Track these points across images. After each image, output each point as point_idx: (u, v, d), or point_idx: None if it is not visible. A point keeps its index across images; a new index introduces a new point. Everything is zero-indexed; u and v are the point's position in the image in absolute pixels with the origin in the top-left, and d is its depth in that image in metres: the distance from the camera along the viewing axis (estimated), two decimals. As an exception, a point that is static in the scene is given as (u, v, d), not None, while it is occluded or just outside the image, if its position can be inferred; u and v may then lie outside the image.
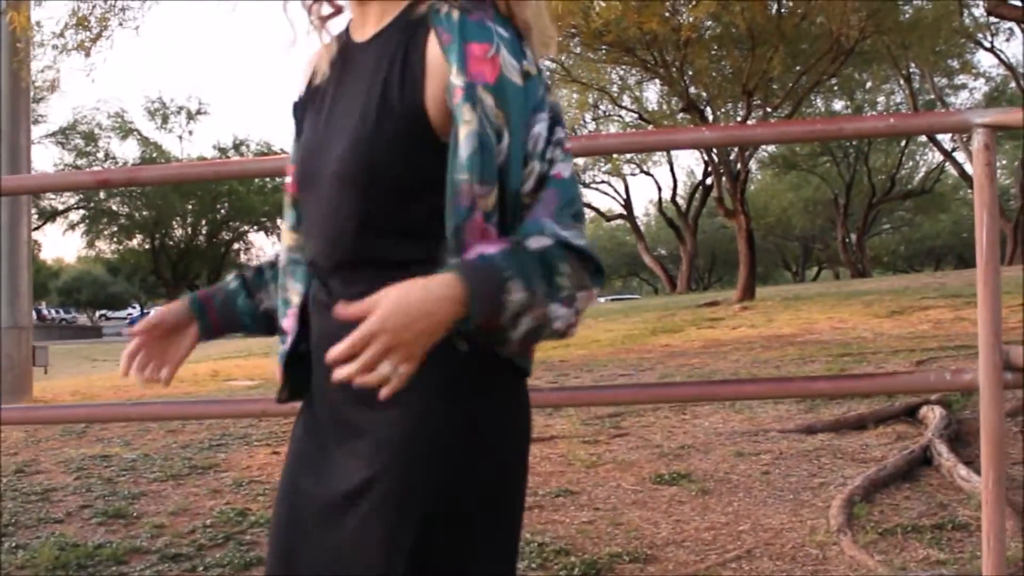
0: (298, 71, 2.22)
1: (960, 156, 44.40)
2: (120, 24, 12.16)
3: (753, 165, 45.17)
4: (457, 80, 1.84)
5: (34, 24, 12.75)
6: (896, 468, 6.18)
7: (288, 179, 2.15)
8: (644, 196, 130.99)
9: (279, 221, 56.88)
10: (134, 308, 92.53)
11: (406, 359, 1.66)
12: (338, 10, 2.18)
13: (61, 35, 12.17)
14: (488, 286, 1.70)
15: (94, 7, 11.87)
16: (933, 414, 7.20)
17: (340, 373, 1.66)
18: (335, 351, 1.65)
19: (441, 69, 1.87)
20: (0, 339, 12.24)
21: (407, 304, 1.66)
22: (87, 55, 11.98)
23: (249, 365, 17.45)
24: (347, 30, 2.13)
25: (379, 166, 1.90)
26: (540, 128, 1.87)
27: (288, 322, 2.12)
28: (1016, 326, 12.91)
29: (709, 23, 22.93)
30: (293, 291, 2.12)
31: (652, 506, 5.87)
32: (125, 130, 56.33)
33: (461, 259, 1.78)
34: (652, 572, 4.83)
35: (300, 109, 2.17)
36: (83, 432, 8.65)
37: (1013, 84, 42.85)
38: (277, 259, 2.23)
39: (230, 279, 2.34)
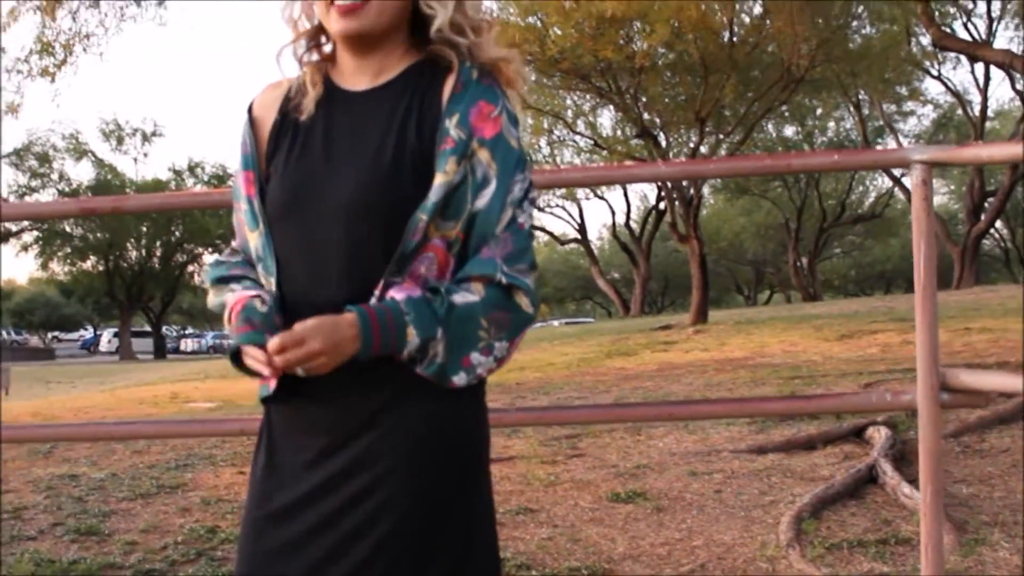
0: (257, 102, 2.44)
1: (908, 182, 44.96)
2: (84, 50, 12.29)
3: (706, 190, 45.65)
4: (453, 131, 2.17)
5: (-1, 49, 12.85)
6: (843, 486, 6.42)
7: (241, 192, 2.37)
8: (598, 220, 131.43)
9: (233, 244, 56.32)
10: (86, 330, 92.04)
11: (317, 370, 2.09)
12: (327, 59, 2.41)
13: (26, 61, 12.29)
14: (381, 329, 2.11)
15: (59, 33, 12.00)
16: (879, 434, 7.44)
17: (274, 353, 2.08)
18: (275, 342, 2.07)
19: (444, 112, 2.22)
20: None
21: (330, 338, 2.07)
22: (52, 80, 12.10)
23: (206, 387, 17.55)
24: (327, 77, 2.37)
25: (400, 201, 2.19)
26: (520, 188, 2.23)
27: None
28: (962, 349, 13.24)
29: (663, 51, 23.30)
30: (270, 282, 2.33)
31: (609, 523, 6.08)
32: (80, 151, 56.30)
33: (371, 304, 2.14)
34: (610, 584, 5.05)
35: (274, 137, 2.37)
36: (49, 452, 8.77)
37: (960, 111, 43.57)
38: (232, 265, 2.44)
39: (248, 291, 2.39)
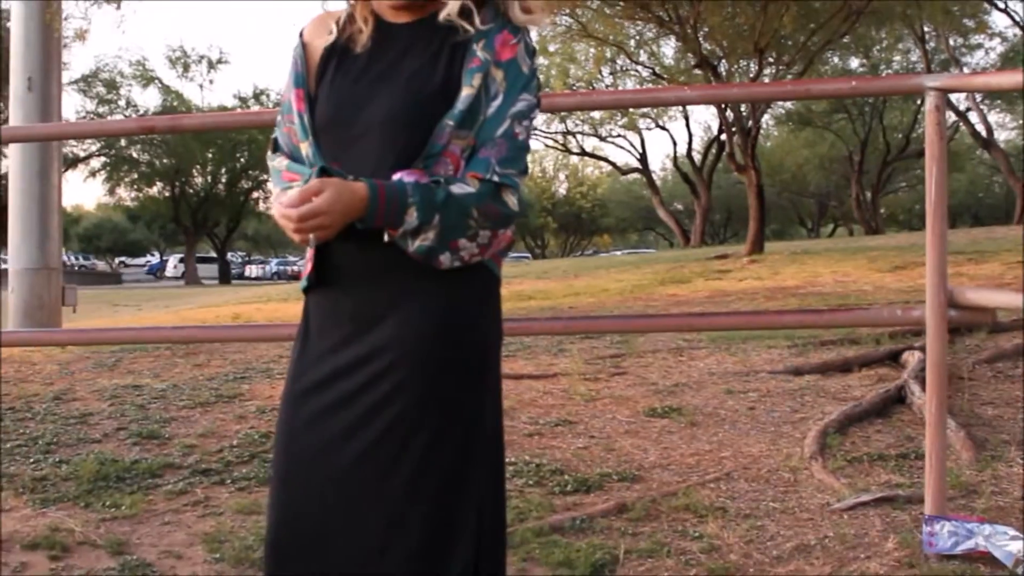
0: (308, 29, 2.80)
1: (973, 117, 44.44)
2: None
3: (769, 121, 45.41)
4: (480, 53, 2.55)
5: (67, -23, 13.13)
6: (871, 405, 6.63)
7: (291, 110, 2.72)
8: (660, 151, 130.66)
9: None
10: (153, 255, 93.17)
11: (326, 232, 2.39)
12: None
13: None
14: (386, 204, 2.40)
15: (125, -40, 12.26)
16: (913, 358, 7.62)
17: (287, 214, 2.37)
18: (288, 200, 2.38)
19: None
20: (32, 279, 12.71)
21: (340, 199, 2.36)
22: (118, 7, 12.37)
23: (268, 309, 17.88)
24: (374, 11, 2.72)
25: (429, 118, 2.54)
26: (523, 105, 2.56)
27: None
28: (1011, 282, 13.30)
29: (723, -21, 23.22)
30: None
31: (643, 435, 6.34)
32: (147, 78, 56.79)
33: (385, 180, 2.45)
34: (637, 489, 5.31)
35: (324, 61, 2.71)
36: (114, 365, 9.14)
37: (1027, 44, 42.87)
38: None
39: None
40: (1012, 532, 4.16)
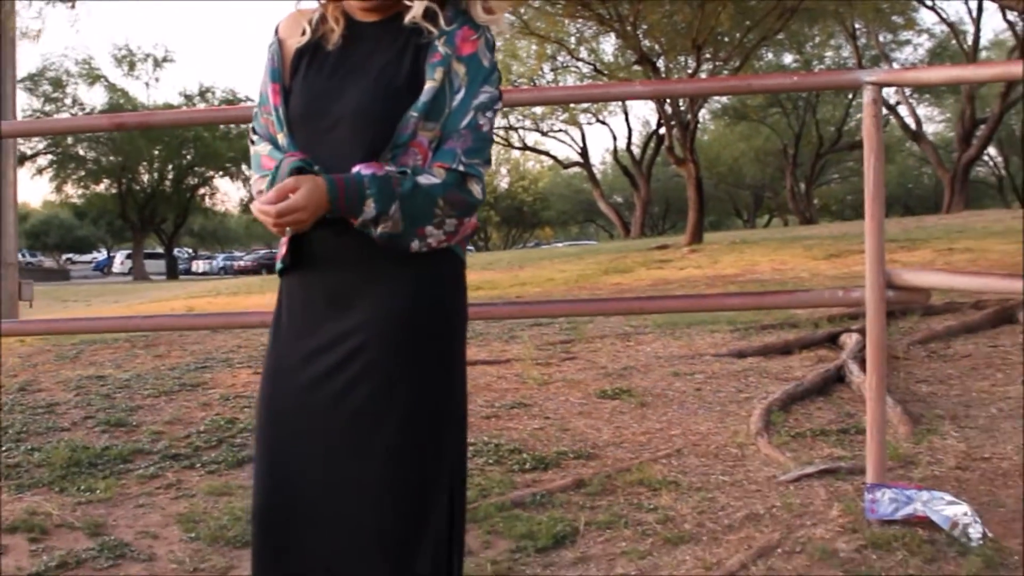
0: (283, 26, 2.92)
1: (903, 111, 45.03)
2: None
3: (706, 116, 45.74)
4: (441, 48, 2.67)
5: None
6: (812, 384, 6.82)
7: (267, 102, 2.84)
8: (600, 145, 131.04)
9: (244, 167, 57.09)
10: (100, 251, 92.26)
11: (301, 225, 2.54)
12: None
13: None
14: (345, 196, 2.52)
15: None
16: (851, 340, 7.83)
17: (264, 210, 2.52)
18: (266, 198, 2.52)
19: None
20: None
21: (313, 195, 2.50)
22: (72, 6, 12.35)
23: (220, 302, 17.92)
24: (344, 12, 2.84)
25: (396, 110, 2.66)
26: (485, 97, 2.70)
27: None
28: (943, 268, 13.57)
29: (661, -22, 23.44)
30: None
31: (596, 416, 6.49)
32: (93, 76, 56.31)
33: (343, 174, 2.58)
34: (593, 466, 5.46)
35: (297, 57, 2.83)
36: (76, 356, 9.18)
37: (954, 41, 43.52)
38: None
39: None
40: (948, 498, 4.34)
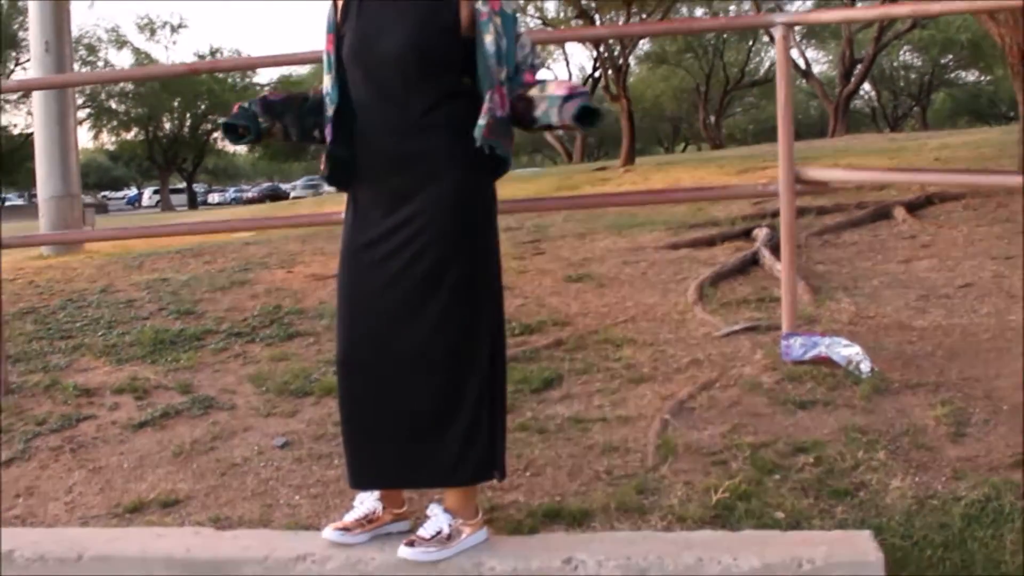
0: None
1: (795, 52, 45.00)
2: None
3: (632, 61, 45.55)
4: (483, 7, 2.86)
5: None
6: (734, 266, 7.13)
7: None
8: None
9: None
10: (131, 188, 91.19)
11: None
12: None
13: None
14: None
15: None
16: (761, 233, 8.13)
17: None
18: None
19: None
20: (59, 205, 12.74)
21: None
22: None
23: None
24: None
25: (434, 49, 2.87)
26: (524, 38, 2.98)
27: (328, 129, 3.03)
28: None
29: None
30: (330, 109, 3.03)
31: (565, 295, 6.78)
32: (120, 42, 55.43)
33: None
34: (568, 330, 5.75)
35: (345, 5, 2.98)
36: (140, 265, 9.33)
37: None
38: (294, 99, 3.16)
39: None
40: (845, 342, 4.67)
